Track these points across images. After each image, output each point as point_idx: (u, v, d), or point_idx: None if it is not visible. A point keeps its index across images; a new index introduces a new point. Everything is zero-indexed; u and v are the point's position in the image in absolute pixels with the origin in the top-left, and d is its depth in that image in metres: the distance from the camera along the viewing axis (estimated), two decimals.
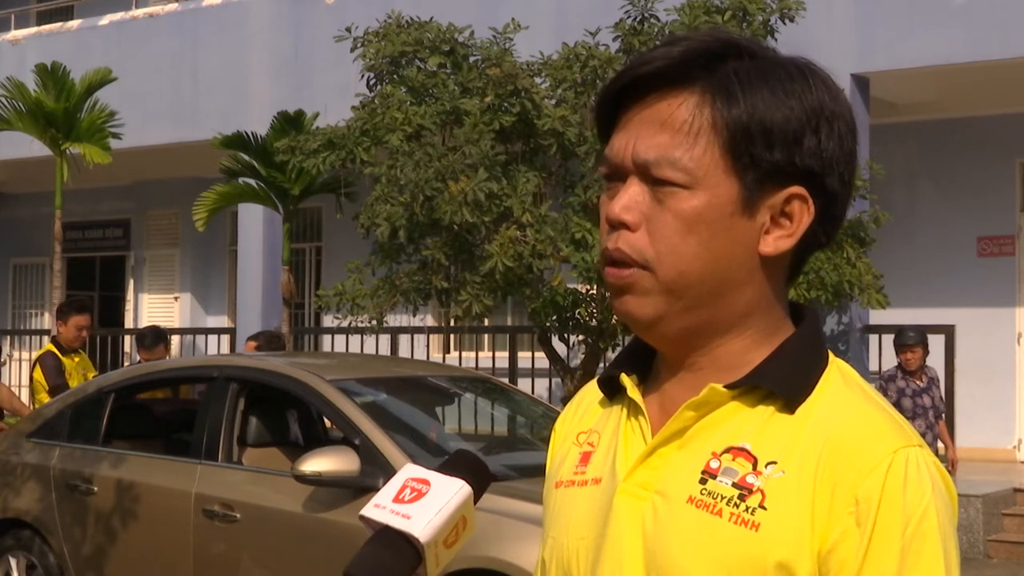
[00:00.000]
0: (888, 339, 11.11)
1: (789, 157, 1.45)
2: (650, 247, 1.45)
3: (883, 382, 10.11)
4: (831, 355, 1.52)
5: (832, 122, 1.47)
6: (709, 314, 1.47)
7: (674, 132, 1.45)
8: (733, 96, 1.45)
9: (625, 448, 1.52)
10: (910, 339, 10.07)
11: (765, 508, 1.41)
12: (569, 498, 1.57)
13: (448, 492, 1.50)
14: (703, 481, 1.44)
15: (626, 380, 1.55)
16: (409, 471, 1.53)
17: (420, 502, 1.49)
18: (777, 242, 1.47)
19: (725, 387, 1.47)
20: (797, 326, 1.53)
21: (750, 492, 1.42)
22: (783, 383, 1.46)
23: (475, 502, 1.54)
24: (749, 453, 1.44)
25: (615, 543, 1.48)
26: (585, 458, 1.58)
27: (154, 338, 10.16)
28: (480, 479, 1.55)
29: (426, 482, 1.51)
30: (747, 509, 1.41)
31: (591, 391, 1.65)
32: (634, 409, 1.54)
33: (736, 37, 1.51)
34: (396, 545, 1.47)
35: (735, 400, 1.47)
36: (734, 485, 1.43)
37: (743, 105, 1.44)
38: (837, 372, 1.50)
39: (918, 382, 10.06)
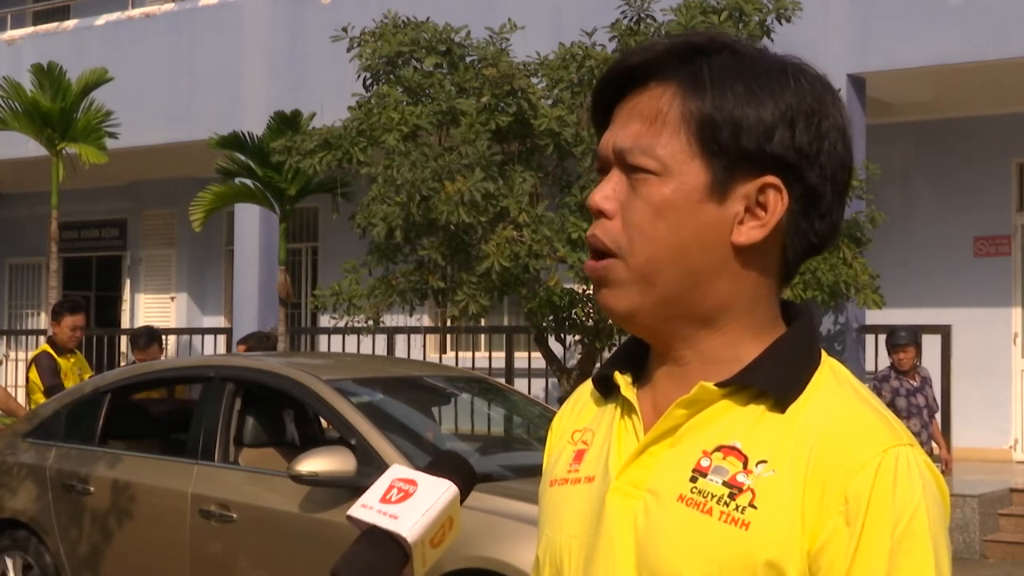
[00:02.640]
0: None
1: (759, 145, 1.46)
2: (623, 234, 1.48)
3: (877, 383, 10.13)
4: (824, 354, 1.52)
5: (811, 117, 1.47)
6: (686, 304, 1.49)
7: (649, 121, 1.48)
8: (701, 87, 1.47)
9: (618, 446, 1.53)
10: (902, 339, 10.10)
11: (755, 507, 1.41)
12: (563, 496, 1.58)
13: (435, 492, 1.51)
14: (694, 479, 1.45)
15: (620, 378, 1.56)
16: (396, 471, 1.54)
17: (407, 502, 1.50)
18: (750, 232, 1.47)
19: (716, 385, 1.47)
20: (791, 325, 1.53)
21: (740, 491, 1.42)
22: (774, 382, 1.47)
23: (462, 502, 1.54)
24: (739, 452, 1.45)
25: (607, 541, 1.49)
26: (579, 456, 1.59)
27: (148, 338, 10.15)
28: (466, 480, 1.56)
29: (413, 482, 1.52)
30: (737, 508, 1.42)
31: (587, 390, 1.66)
32: (627, 407, 1.55)
33: (724, 36, 1.53)
34: (383, 545, 1.48)
35: (726, 398, 1.48)
36: (724, 484, 1.43)
37: (711, 96, 1.46)
38: (829, 371, 1.50)
39: (912, 381, 10.07)
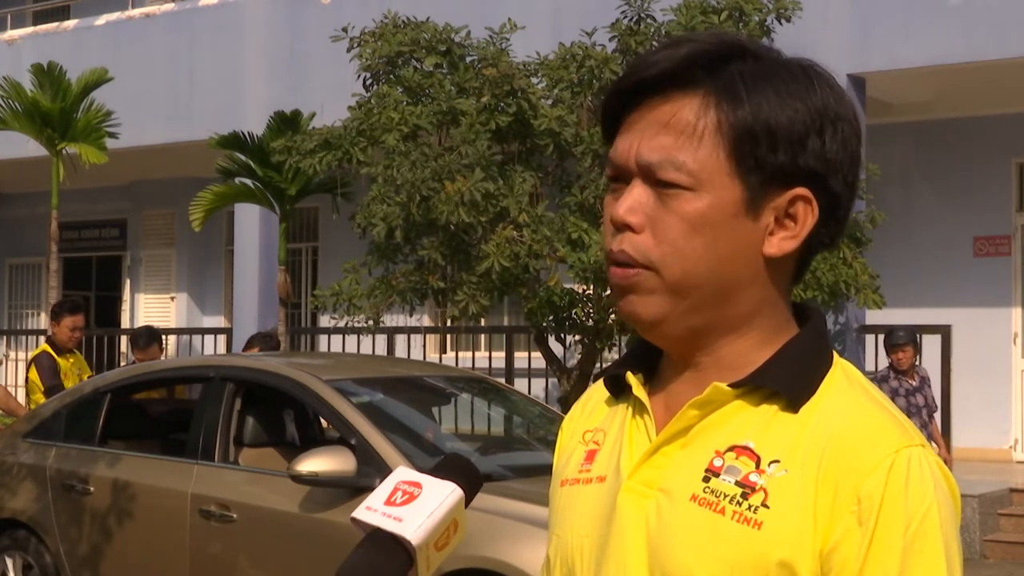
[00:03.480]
0: None
1: (793, 159, 1.45)
2: (655, 248, 1.46)
3: (876, 383, 10.08)
4: (835, 355, 1.52)
5: (836, 124, 1.47)
6: (714, 315, 1.48)
7: (678, 134, 1.46)
8: (738, 98, 1.45)
9: (630, 446, 1.53)
10: (900, 339, 10.10)
11: (767, 507, 1.41)
12: (574, 496, 1.58)
13: (440, 495, 1.51)
14: (706, 479, 1.45)
15: (632, 379, 1.56)
16: (401, 474, 1.54)
17: (412, 505, 1.49)
18: (782, 243, 1.48)
19: (729, 386, 1.47)
20: (802, 326, 1.54)
21: (752, 491, 1.43)
22: (786, 382, 1.47)
23: (466, 505, 1.54)
24: (752, 452, 1.45)
25: (619, 541, 1.49)
26: (590, 456, 1.59)
27: (148, 338, 10.14)
28: (472, 482, 1.55)
29: (418, 485, 1.52)
30: (749, 507, 1.42)
31: (599, 390, 1.66)
32: (639, 408, 1.54)
33: (740, 39, 1.51)
34: (387, 547, 1.48)
35: (739, 399, 1.48)
36: (737, 483, 1.43)
37: (748, 107, 1.45)
38: (841, 372, 1.51)
39: (911, 381, 10.08)
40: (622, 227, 1.47)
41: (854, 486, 1.40)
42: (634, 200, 1.47)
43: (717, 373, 1.49)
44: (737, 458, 1.45)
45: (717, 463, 1.45)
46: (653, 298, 1.47)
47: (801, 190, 1.46)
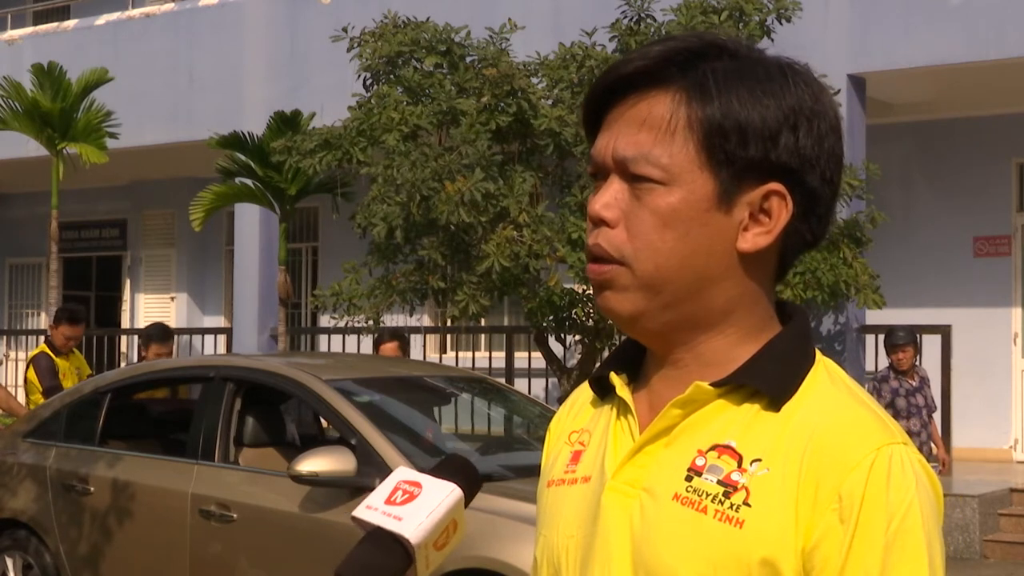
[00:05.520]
0: None
1: (765, 153, 1.46)
2: (628, 243, 1.47)
3: (876, 383, 10.13)
4: (818, 354, 1.53)
5: (811, 120, 1.48)
6: (690, 310, 1.49)
7: (651, 130, 1.47)
8: (708, 94, 1.46)
9: (614, 446, 1.54)
10: (900, 339, 10.09)
11: (749, 505, 1.42)
12: (560, 496, 1.59)
13: (439, 495, 1.51)
14: (689, 479, 1.46)
15: (615, 379, 1.57)
16: (401, 474, 1.55)
17: (412, 504, 1.50)
18: (755, 239, 1.48)
19: (711, 385, 1.48)
20: (785, 325, 1.54)
21: (735, 489, 1.43)
22: (768, 381, 1.47)
23: (466, 505, 1.55)
24: (734, 451, 1.45)
25: (604, 541, 1.49)
26: (576, 457, 1.60)
27: (165, 334, 10.13)
28: (471, 483, 1.56)
29: (418, 485, 1.53)
30: (731, 506, 1.42)
31: (584, 391, 1.67)
32: (623, 408, 1.55)
33: (720, 38, 1.53)
34: (387, 546, 1.48)
35: (721, 398, 1.48)
36: (719, 482, 1.44)
37: (717, 103, 1.46)
38: (823, 370, 1.51)
39: (911, 381, 10.08)
40: (598, 222, 1.49)
41: (835, 484, 1.40)
42: (610, 195, 1.49)
43: (699, 371, 1.50)
44: (719, 457, 1.45)
45: (699, 462, 1.46)
46: (628, 294, 1.48)
47: (775, 185, 1.47)
